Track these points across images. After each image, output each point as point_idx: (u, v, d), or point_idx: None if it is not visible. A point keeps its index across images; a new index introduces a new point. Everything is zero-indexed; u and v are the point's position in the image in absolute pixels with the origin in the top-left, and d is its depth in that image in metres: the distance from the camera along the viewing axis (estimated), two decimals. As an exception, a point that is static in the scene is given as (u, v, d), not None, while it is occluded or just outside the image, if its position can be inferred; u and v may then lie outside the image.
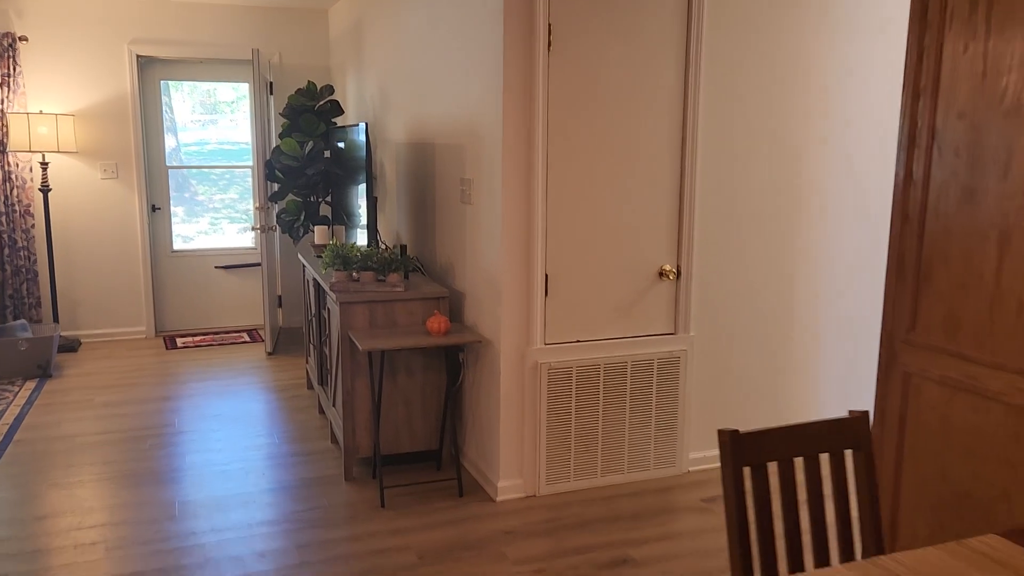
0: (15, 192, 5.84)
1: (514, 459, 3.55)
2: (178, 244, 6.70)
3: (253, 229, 6.10)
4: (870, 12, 3.82)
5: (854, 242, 4.01)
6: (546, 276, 3.46)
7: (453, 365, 3.89)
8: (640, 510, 3.45)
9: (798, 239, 3.89)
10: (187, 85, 6.78)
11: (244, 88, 6.85)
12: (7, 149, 5.72)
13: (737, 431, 1.68)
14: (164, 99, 6.54)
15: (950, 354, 2.38)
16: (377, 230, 4.39)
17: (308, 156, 5.51)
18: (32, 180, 5.91)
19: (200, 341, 6.36)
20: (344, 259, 3.81)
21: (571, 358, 3.52)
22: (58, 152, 5.82)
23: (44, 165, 5.78)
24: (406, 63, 4.60)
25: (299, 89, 5.63)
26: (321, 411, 4.71)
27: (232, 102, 6.99)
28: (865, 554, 1.76)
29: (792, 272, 3.91)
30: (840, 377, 4.11)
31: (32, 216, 5.92)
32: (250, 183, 6.94)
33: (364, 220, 4.37)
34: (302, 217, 5.70)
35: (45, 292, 6.11)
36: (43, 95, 5.95)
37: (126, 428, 4.44)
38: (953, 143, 2.35)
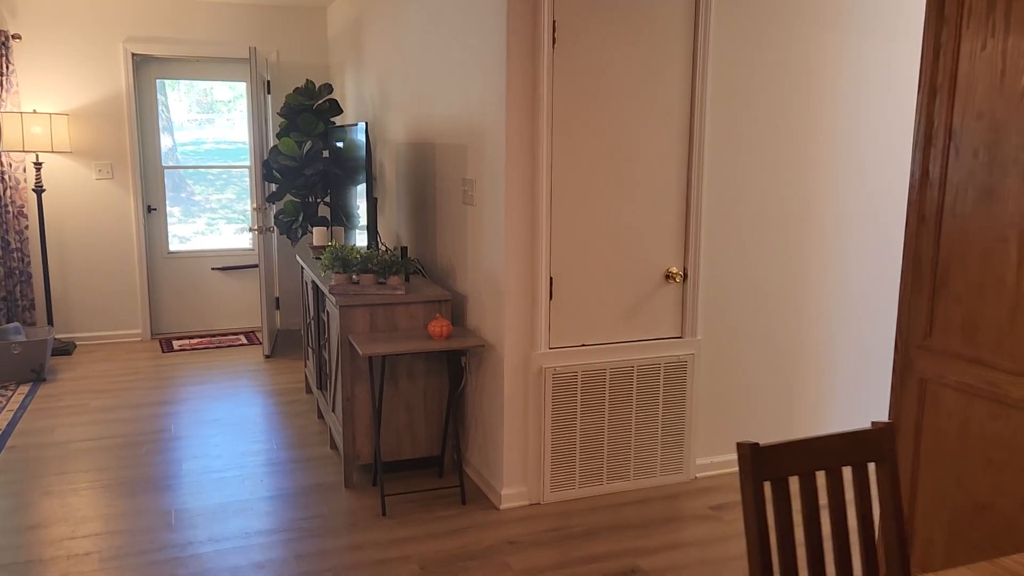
0: (8, 193, 5.76)
1: (518, 466, 3.48)
2: (174, 245, 6.62)
3: (251, 230, 6.03)
4: (882, 11, 3.76)
5: (867, 244, 3.94)
6: (550, 278, 3.39)
7: (455, 370, 3.82)
8: (647, 518, 3.38)
9: (808, 240, 3.83)
10: (183, 84, 6.70)
11: (241, 87, 6.77)
12: (0, 149, 5.64)
13: (757, 444, 1.61)
14: (160, 98, 6.46)
15: (968, 359, 2.32)
16: (377, 231, 4.32)
17: (306, 156, 5.43)
18: (26, 180, 5.83)
19: (197, 344, 6.29)
20: (344, 261, 3.74)
21: (576, 362, 3.46)
22: (52, 152, 5.74)
23: (38, 165, 5.71)
24: (406, 61, 4.53)
25: (297, 88, 5.56)
26: (320, 416, 4.63)
27: (229, 101, 6.92)
28: (890, 574, 1.69)
29: (802, 274, 3.84)
30: (852, 382, 4.04)
31: (26, 217, 5.84)
32: (247, 183, 6.85)
33: (364, 221, 4.30)
34: (300, 218, 5.62)
35: (39, 294, 6.03)
36: (37, 94, 5.87)
37: (121, 433, 4.37)
38: (971, 143, 2.29)
